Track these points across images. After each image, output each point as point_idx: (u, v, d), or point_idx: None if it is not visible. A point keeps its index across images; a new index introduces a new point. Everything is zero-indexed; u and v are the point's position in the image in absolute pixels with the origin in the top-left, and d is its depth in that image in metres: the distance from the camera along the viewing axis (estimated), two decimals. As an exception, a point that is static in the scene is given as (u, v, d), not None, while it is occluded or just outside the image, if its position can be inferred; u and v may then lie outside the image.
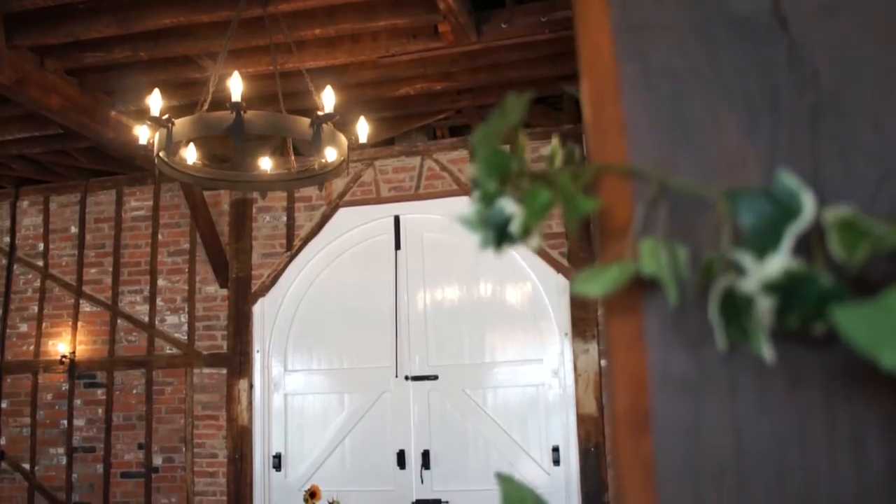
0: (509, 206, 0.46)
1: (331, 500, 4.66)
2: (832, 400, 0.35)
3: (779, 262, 0.33)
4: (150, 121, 3.50)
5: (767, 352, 0.35)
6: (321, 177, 4.12)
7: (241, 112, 3.43)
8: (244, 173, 4.26)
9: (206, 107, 3.60)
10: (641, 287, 0.36)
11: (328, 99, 3.55)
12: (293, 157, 4.18)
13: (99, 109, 5.15)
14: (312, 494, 4.62)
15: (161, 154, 3.76)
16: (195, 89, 4.90)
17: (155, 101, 3.52)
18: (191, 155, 4.11)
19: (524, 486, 0.60)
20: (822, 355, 0.36)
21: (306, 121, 3.53)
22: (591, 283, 0.36)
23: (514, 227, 0.46)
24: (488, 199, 0.45)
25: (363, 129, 3.92)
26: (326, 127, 3.61)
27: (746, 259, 0.34)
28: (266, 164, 4.37)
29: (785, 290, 0.32)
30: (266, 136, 5.49)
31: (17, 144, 5.91)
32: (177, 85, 5.02)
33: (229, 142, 6.12)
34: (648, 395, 0.35)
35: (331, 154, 4.06)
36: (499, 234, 0.47)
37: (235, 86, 3.43)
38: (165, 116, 3.50)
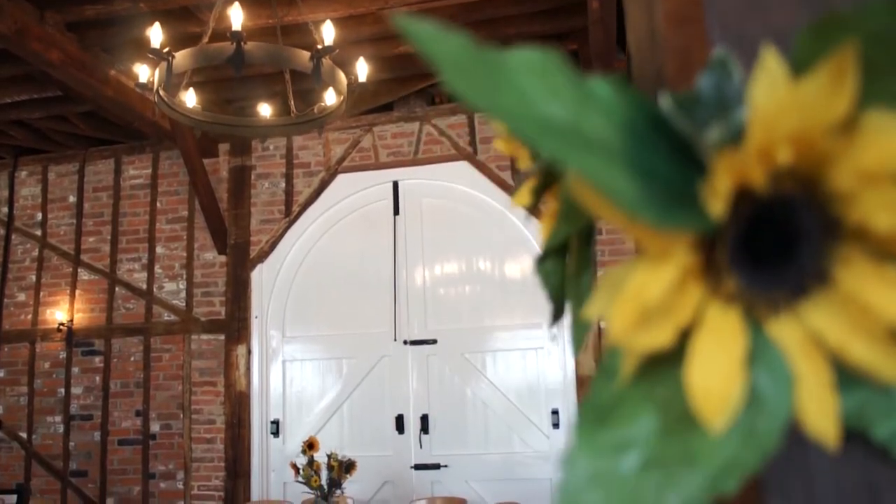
0: None
1: (329, 453, 4.64)
2: None
3: None
4: (151, 53, 3.51)
5: None
6: (321, 120, 4.13)
7: (242, 43, 3.44)
8: (244, 118, 4.26)
9: (206, 40, 3.61)
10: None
11: (328, 33, 3.57)
12: (292, 103, 4.18)
13: (98, 67, 5.16)
14: (311, 446, 4.59)
15: (161, 92, 3.77)
16: (195, 45, 4.90)
17: (155, 35, 3.53)
18: (190, 99, 4.12)
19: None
20: None
21: (306, 53, 3.54)
22: None
23: None
24: None
25: (363, 69, 3.93)
26: (326, 62, 3.62)
27: None
28: (265, 110, 4.39)
29: None
30: (264, 92, 5.50)
31: (17, 109, 5.92)
32: (177, 41, 5.01)
33: (229, 109, 6.15)
34: None
35: (330, 100, 4.09)
36: None
37: (236, 16, 3.45)
38: (166, 49, 3.51)
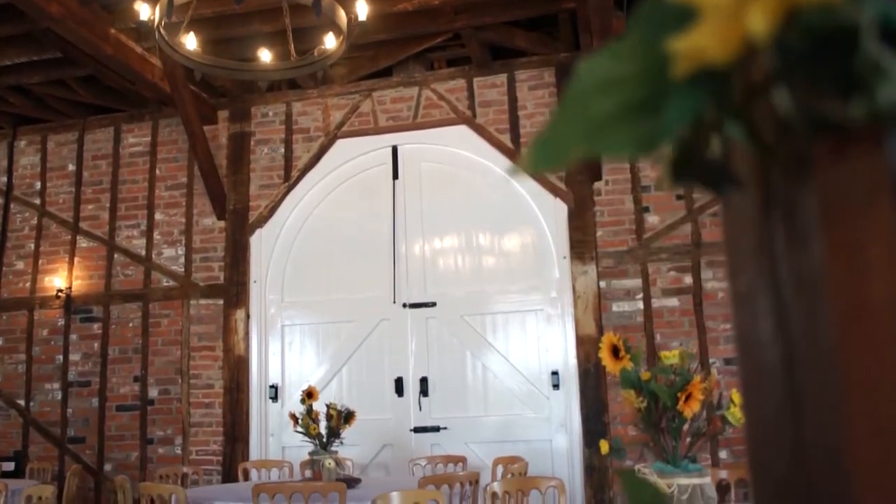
0: None
1: (328, 403, 4.62)
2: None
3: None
4: (151, -15, 3.53)
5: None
6: (321, 63, 4.14)
7: (242, -27, 3.46)
8: (244, 62, 4.27)
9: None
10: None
11: (328, -33, 3.58)
12: (292, 48, 4.19)
13: (98, 24, 5.17)
14: (310, 395, 4.58)
15: (162, 31, 3.78)
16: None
17: (156, -32, 3.54)
18: (190, 43, 4.13)
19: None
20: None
21: (306, -14, 3.56)
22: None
23: None
24: None
25: (362, 8, 3.94)
26: (326, -3, 3.64)
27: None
28: (266, 56, 4.40)
29: None
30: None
31: (16, 73, 5.93)
32: None
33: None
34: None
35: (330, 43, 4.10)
36: None
37: (236, -53, 3.46)
38: (166, -18, 3.52)
